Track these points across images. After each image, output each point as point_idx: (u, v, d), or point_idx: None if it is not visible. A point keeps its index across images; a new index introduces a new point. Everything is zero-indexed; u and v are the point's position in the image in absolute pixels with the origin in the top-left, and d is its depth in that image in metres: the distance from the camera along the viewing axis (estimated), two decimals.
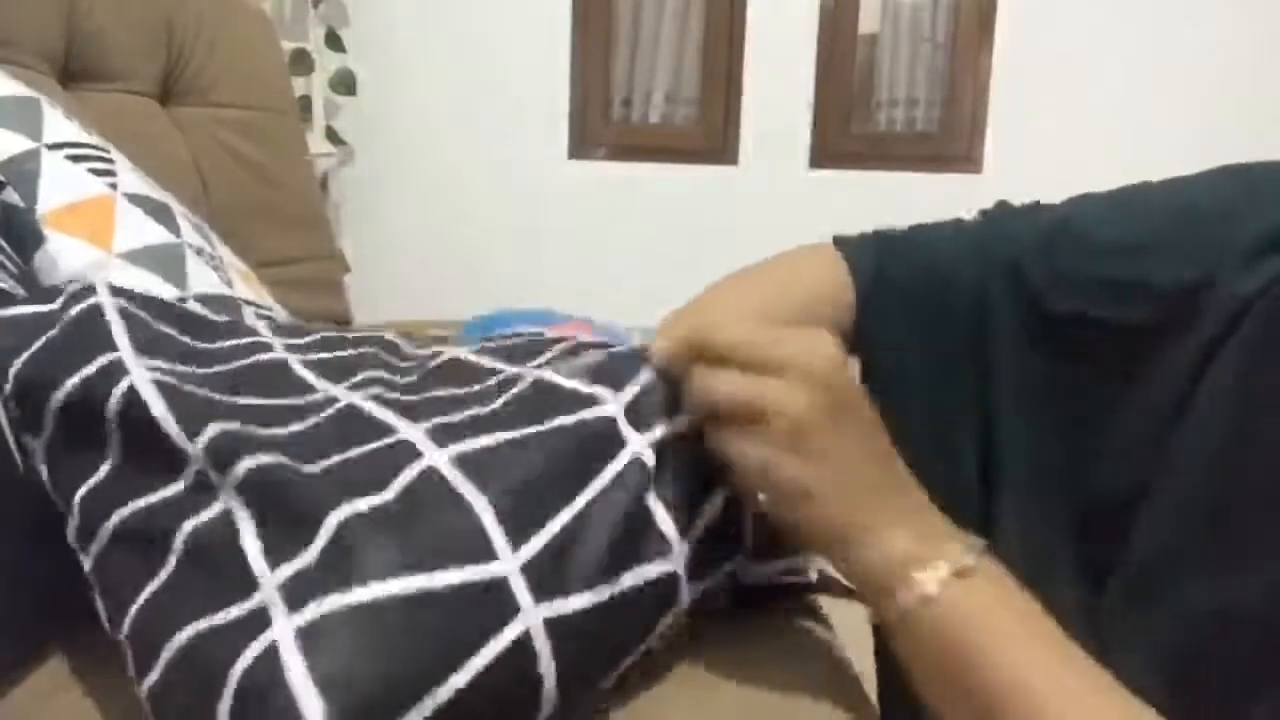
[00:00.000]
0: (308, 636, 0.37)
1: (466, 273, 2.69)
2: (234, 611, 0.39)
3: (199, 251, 0.76)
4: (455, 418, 0.48)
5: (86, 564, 0.47)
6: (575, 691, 0.43)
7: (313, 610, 0.37)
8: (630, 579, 0.45)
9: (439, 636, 0.38)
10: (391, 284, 2.59)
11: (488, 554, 0.41)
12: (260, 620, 0.38)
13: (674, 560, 0.47)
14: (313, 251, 1.43)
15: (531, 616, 0.40)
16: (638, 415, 0.48)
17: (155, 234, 0.73)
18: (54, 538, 0.59)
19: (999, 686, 0.42)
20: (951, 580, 0.44)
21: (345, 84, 2.54)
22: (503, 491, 0.43)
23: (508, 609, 0.40)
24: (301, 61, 2.39)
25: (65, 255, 0.67)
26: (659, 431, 0.48)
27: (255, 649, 0.37)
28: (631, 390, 0.49)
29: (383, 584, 0.38)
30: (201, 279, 0.73)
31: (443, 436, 0.46)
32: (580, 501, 0.44)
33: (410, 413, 0.50)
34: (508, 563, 0.41)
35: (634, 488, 0.46)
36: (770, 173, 2.63)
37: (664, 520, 0.47)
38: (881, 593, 0.45)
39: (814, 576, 0.59)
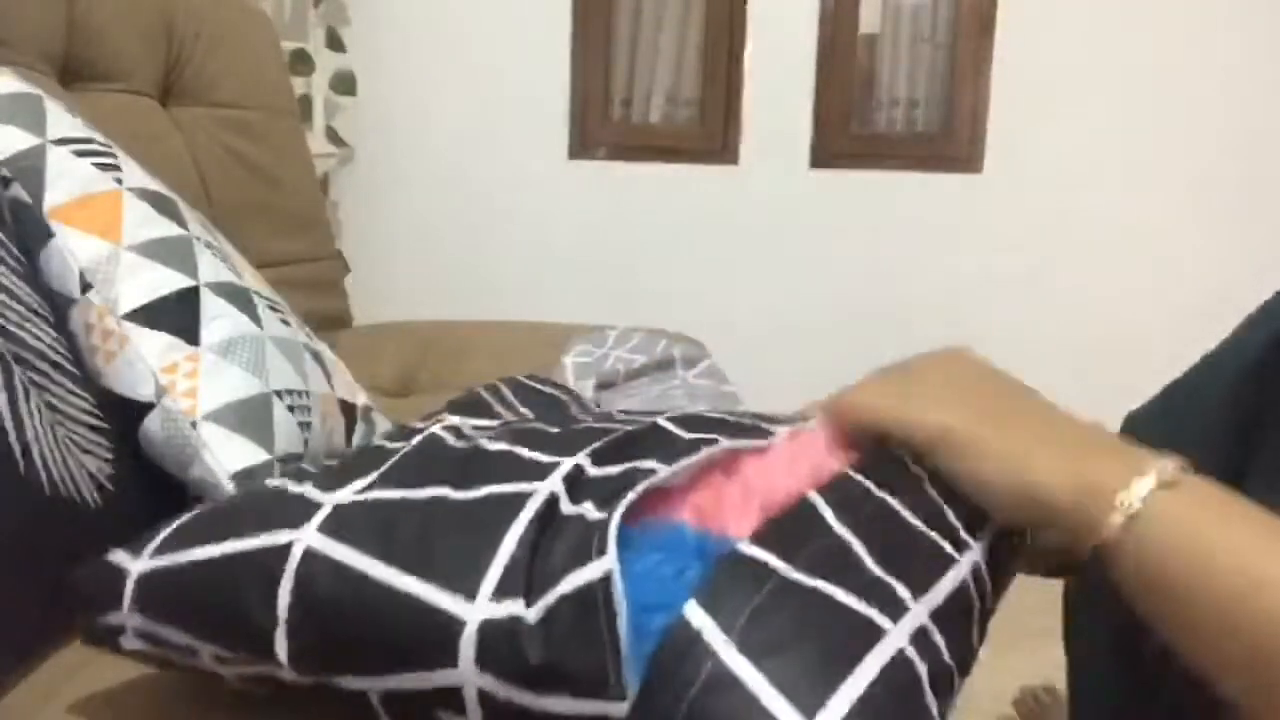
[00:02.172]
0: None
1: (467, 273, 2.69)
2: None
3: (207, 245, 0.76)
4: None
5: None
6: None
7: None
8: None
9: None
10: (391, 284, 2.59)
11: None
12: None
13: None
14: (313, 251, 1.43)
15: None
16: None
17: (163, 227, 0.73)
18: (54, 538, 0.59)
19: (1237, 587, 0.38)
20: (1158, 493, 0.41)
21: (345, 84, 2.54)
22: None
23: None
24: (301, 61, 2.39)
25: (74, 249, 0.67)
26: None
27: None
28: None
29: None
30: (212, 270, 0.73)
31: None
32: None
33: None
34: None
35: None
36: (770, 173, 2.63)
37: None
38: (1080, 527, 0.42)
39: None
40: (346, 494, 0.46)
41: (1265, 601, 0.37)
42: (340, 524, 0.44)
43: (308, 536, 0.44)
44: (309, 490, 0.48)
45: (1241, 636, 0.38)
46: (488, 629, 0.38)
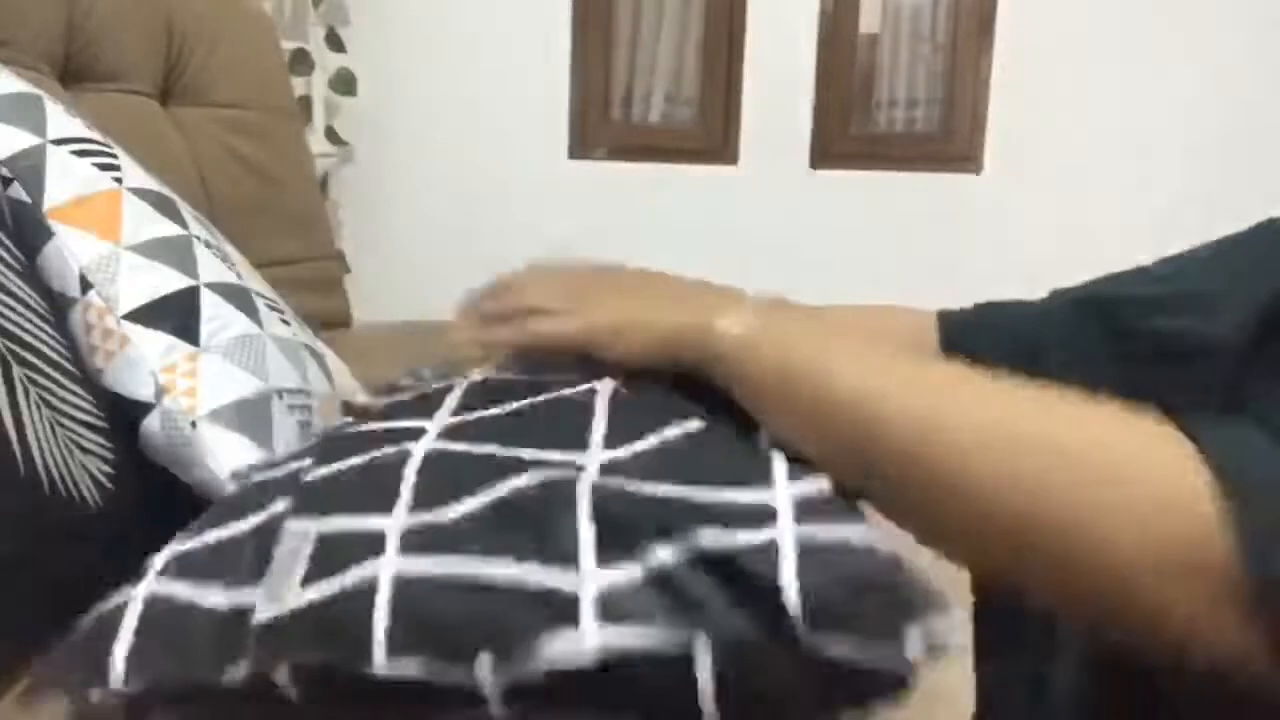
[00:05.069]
0: None
1: (466, 273, 2.67)
2: None
3: (206, 244, 0.76)
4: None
5: None
6: None
7: None
8: None
9: None
10: (391, 284, 2.59)
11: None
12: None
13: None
14: (313, 251, 1.43)
15: None
16: None
17: (163, 227, 0.73)
18: (54, 538, 0.59)
19: (833, 399, 0.43)
20: (754, 319, 0.48)
21: (345, 84, 2.54)
22: None
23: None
24: (301, 61, 2.39)
25: (74, 249, 0.67)
26: None
27: None
28: None
29: None
30: (211, 270, 0.73)
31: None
32: None
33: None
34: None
35: None
36: (770, 173, 2.63)
37: None
38: (696, 349, 0.49)
39: None
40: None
41: (861, 409, 0.41)
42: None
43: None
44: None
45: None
46: None
